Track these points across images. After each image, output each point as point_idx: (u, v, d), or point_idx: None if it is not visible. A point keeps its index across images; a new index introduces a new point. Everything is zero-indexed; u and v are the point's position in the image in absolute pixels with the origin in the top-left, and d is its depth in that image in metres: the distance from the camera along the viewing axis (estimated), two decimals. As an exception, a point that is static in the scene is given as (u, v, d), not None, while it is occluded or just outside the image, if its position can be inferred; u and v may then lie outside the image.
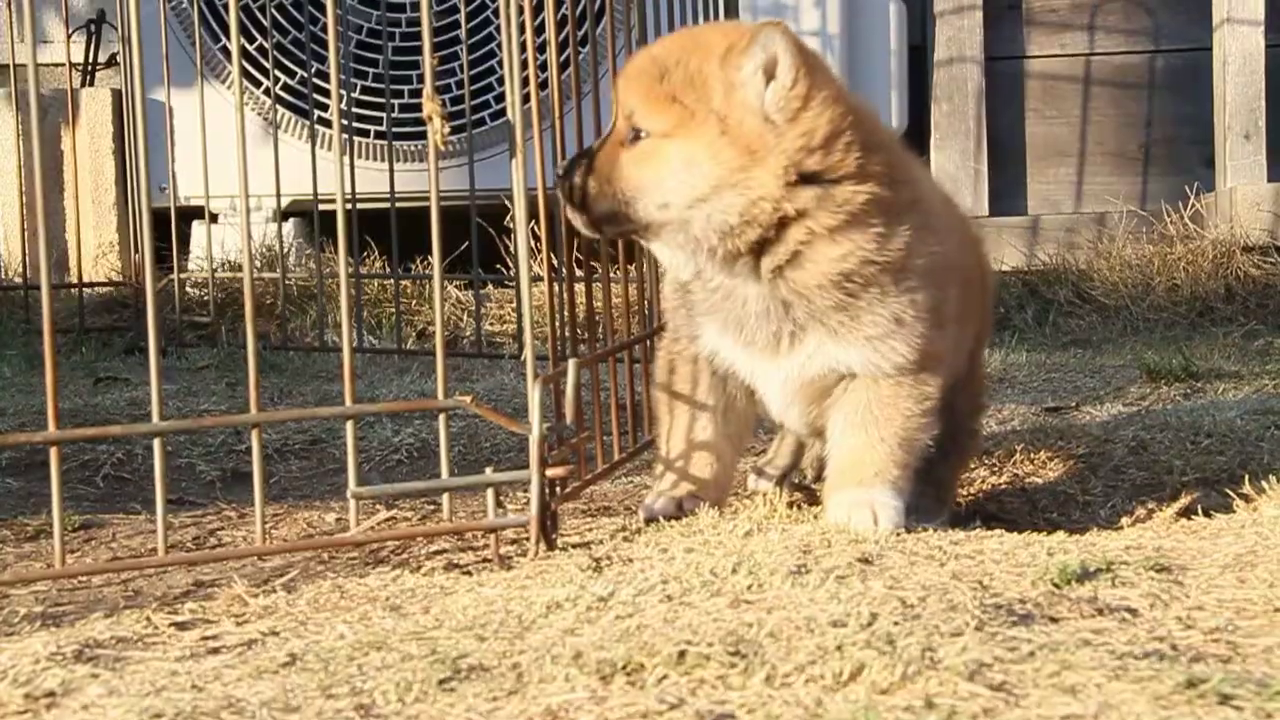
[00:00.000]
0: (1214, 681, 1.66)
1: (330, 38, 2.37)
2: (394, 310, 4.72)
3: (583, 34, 4.72)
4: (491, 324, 5.02)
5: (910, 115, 5.63)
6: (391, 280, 4.79)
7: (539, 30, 2.52)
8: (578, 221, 2.40)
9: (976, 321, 2.71)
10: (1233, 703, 1.61)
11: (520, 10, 2.40)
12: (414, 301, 5.06)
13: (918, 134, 5.78)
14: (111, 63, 5.77)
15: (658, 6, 3.20)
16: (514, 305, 5.05)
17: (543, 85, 2.55)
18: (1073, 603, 1.99)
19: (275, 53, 4.97)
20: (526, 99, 2.42)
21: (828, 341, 2.38)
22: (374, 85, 5.05)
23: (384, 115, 4.80)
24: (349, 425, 2.34)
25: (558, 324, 2.66)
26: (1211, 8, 5.66)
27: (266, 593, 2.20)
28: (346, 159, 4.35)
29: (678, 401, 2.54)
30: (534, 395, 2.35)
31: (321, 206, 4.58)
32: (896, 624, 1.84)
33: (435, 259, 2.40)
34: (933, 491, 2.68)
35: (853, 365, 2.40)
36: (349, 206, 4.21)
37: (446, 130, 2.28)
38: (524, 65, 2.43)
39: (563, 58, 2.69)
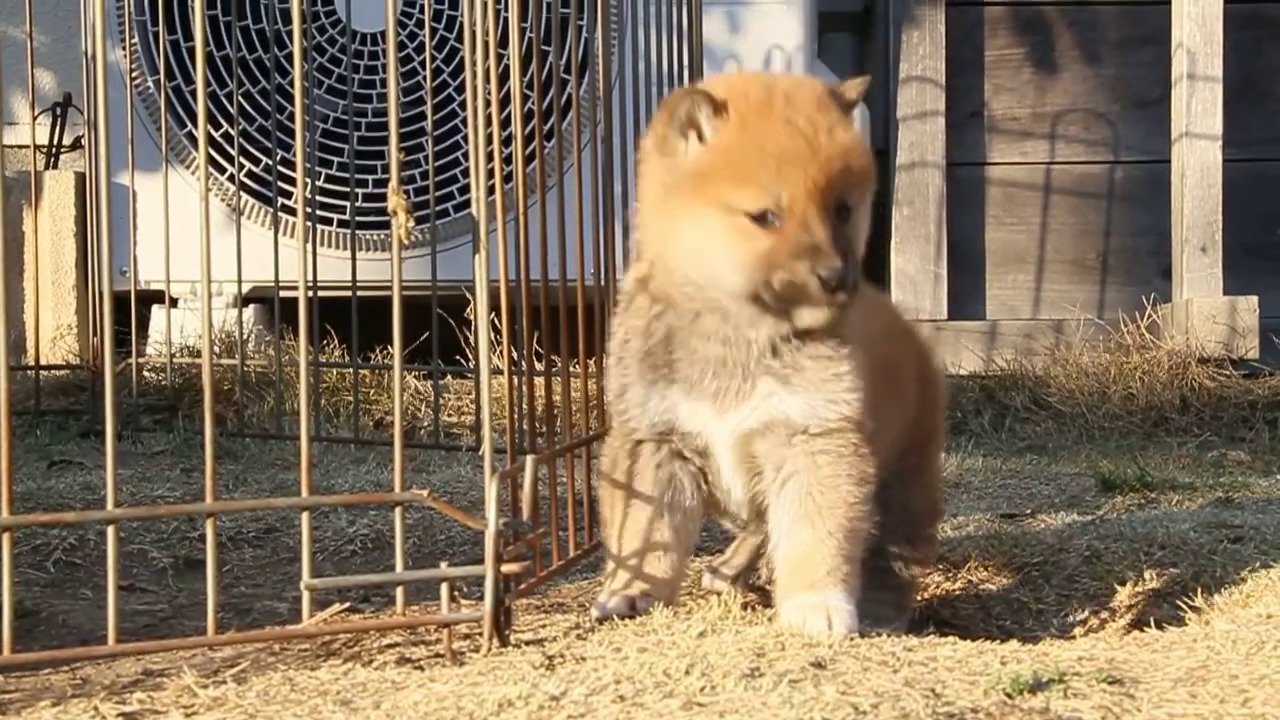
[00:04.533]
0: (1164, 796, 1.66)
1: (297, 126, 2.39)
2: (352, 399, 4.72)
3: (549, 128, 4.76)
4: (450, 415, 5.02)
5: (872, 218, 5.67)
6: (350, 369, 4.78)
7: (505, 124, 2.53)
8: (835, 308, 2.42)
9: (901, 411, 2.72)
10: (1182, 818, 1.62)
11: (487, 104, 2.42)
12: (373, 391, 5.06)
13: (879, 237, 5.82)
14: (76, 145, 5.78)
15: (624, 103, 3.24)
16: (472, 397, 5.05)
17: (507, 178, 2.56)
18: (1024, 713, 2.00)
19: (240, 139, 4.99)
20: (491, 191, 2.44)
21: (778, 389, 2.43)
22: (338, 174, 5.07)
23: (348, 204, 4.82)
24: (304, 517, 2.34)
25: (516, 418, 2.67)
26: (1170, 121, 5.74)
27: (216, 684, 2.18)
28: (309, 246, 4.37)
29: (625, 496, 2.55)
30: (491, 490, 2.35)
31: (282, 293, 4.58)
32: (849, 730, 1.84)
33: (396, 350, 2.41)
34: (891, 598, 2.69)
35: (793, 414, 2.43)
36: (310, 294, 4.21)
37: (411, 225, 2.29)
38: (489, 158, 2.45)
39: (528, 150, 2.73)
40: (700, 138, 2.40)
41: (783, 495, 2.47)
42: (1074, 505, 3.74)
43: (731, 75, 2.69)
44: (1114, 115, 6.04)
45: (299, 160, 2.44)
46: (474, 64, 2.43)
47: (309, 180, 4.82)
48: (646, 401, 2.50)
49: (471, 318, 4.84)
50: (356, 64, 5.15)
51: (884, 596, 2.65)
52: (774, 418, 2.44)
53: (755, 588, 2.93)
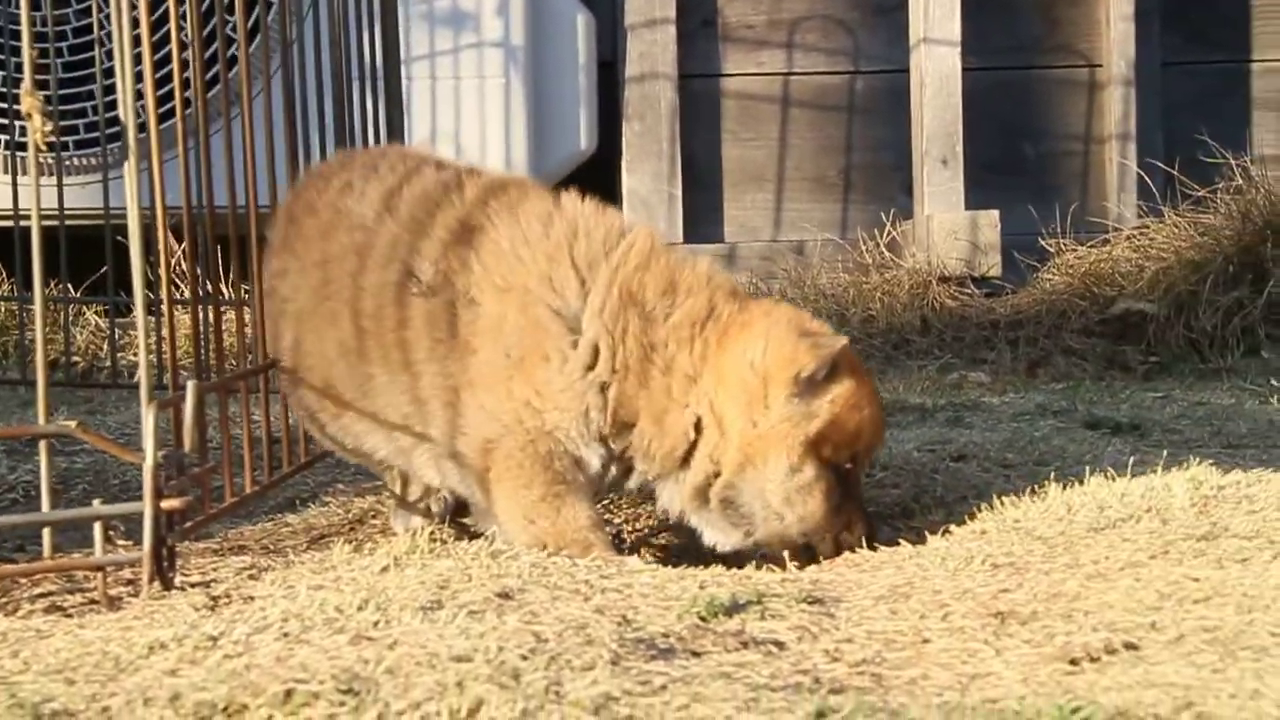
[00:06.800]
0: (845, 712, 1.73)
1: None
2: (21, 338, 4.61)
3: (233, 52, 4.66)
4: (135, 355, 4.93)
5: (600, 135, 5.71)
6: (18, 305, 4.67)
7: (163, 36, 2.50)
8: None
9: None
10: (860, 731, 1.69)
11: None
12: (48, 329, 4.94)
13: (608, 155, 5.86)
14: None
15: (317, 22, 3.20)
16: (161, 334, 4.98)
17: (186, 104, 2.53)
18: (718, 636, 2.06)
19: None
20: (171, 114, 2.41)
21: None
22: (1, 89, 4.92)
23: (11, 120, 4.69)
24: (-63, 454, 2.30)
25: (201, 352, 2.65)
26: (910, 27, 5.86)
27: None
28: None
29: None
30: (149, 420, 2.33)
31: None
32: (525, 658, 1.88)
33: (37, 274, 2.38)
34: None
35: None
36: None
37: (48, 129, 2.25)
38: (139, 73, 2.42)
39: (211, 74, 2.70)
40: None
41: None
42: (799, 430, 3.83)
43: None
44: (854, 22, 6.14)
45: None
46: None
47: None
48: None
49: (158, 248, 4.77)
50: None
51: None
52: None
53: (453, 521, 2.95)
